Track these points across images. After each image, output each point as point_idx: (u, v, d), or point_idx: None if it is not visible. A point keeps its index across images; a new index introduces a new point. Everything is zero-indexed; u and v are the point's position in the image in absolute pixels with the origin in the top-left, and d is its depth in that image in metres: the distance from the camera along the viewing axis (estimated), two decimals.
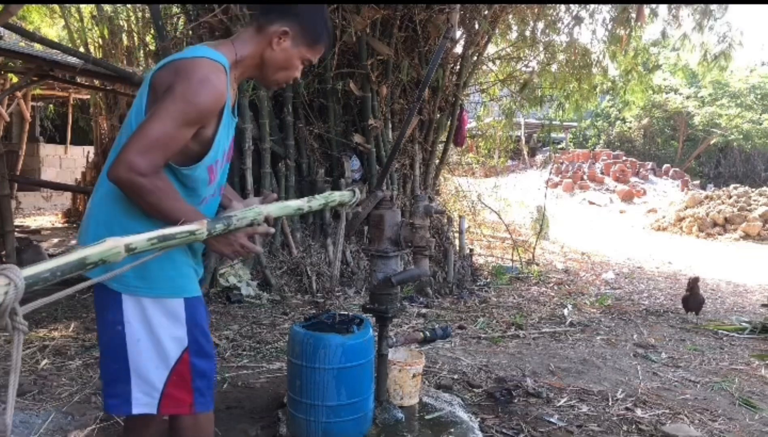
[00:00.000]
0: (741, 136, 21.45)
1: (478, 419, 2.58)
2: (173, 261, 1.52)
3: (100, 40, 10.20)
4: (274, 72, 1.61)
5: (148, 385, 1.49)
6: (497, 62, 7.72)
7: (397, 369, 2.48)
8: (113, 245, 1.19)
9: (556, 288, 6.10)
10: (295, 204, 1.80)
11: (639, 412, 2.81)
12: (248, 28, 1.59)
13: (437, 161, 6.37)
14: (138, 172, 1.36)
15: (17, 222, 8.90)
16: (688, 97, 22.29)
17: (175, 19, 7.23)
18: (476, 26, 6.12)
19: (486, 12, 6.06)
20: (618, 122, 25.22)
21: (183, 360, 1.51)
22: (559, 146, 23.48)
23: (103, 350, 1.55)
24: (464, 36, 6.15)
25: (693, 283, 4.82)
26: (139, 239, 1.28)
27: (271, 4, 1.57)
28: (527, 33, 7.07)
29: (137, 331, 1.47)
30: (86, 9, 10.06)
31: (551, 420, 2.66)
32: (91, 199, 1.54)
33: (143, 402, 1.49)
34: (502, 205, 9.30)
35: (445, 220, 6.00)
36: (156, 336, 1.48)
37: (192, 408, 1.54)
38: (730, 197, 13.51)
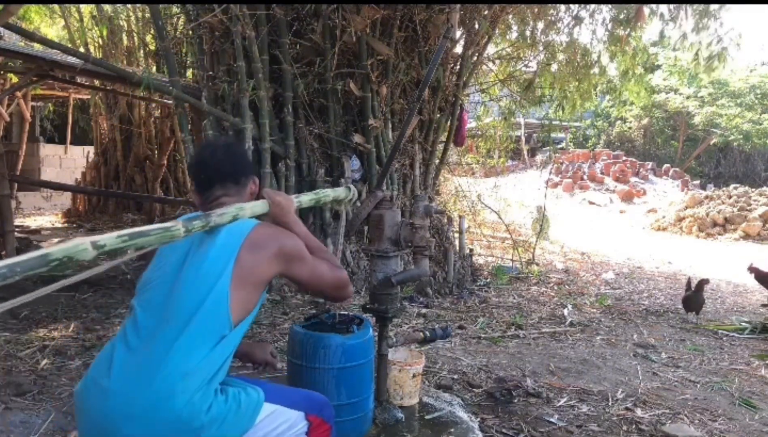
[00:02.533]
0: (741, 136, 21.45)
1: (478, 419, 2.58)
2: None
3: (100, 40, 10.20)
4: None
5: None
6: (497, 62, 7.72)
7: (397, 369, 2.48)
8: (79, 242, 1.18)
9: (556, 288, 6.10)
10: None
11: (639, 412, 2.81)
12: (233, 190, 1.77)
13: (437, 161, 6.37)
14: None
15: (17, 222, 8.90)
16: (688, 97, 22.28)
17: (175, 19, 7.25)
18: (476, 26, 6.12)
19: (486, 12, 6.06)
20: (618, 122, 25.22)
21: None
22: (559, 146, 23.47)
23: None
24: (464, 36, 6.15)
25: (700, 284, 4.81)
26: (108, 236, 1.29)
27: (244, 166, 1.82)
28: (527, 33, 7.08)
29: None
30: (86, 9, 10.06)
31: (551, 420, 2.66)
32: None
33: None
34: (502, 205, 9.30)
35: (445, 220, 6.00)
36: None
37: None
38: (730, 197, 13.51)
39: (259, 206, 1.73)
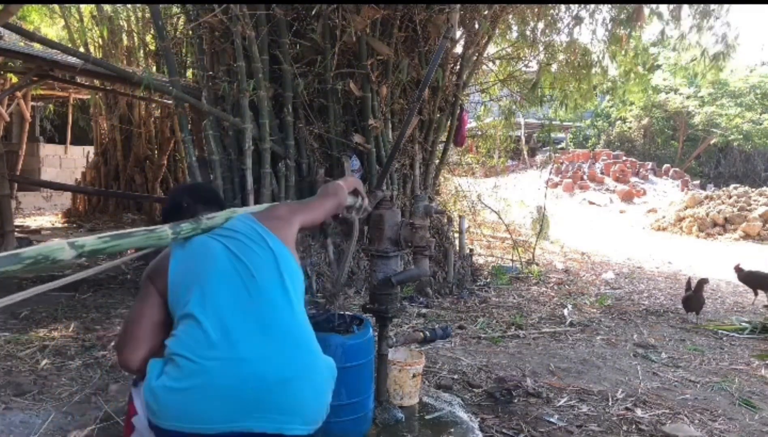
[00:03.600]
0: (741, 136, 21.45)
1: (478, 419, 2.58)
2: None
3: (100, 40, 10.21)
4: None
5: None
6: (497, 62, 7.72)
7: (397, 369, 2.48)
8: (57, 242, 1.20)
9: (556, 288, 6.10)
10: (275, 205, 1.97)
11: (639, 412, 2.81)
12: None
13: (437, 161, 6.37)
14: None
15: (17, 222, 8.90)
16: (688, 97, 22.29)
17: (175, 19, 7.24)
18: (476, 26, 6.12)
19: (486, 12, 6.05)
20: (618, 122, 25.22)
21: None
22: (559, 146, 23.46)
23: None
24: (464, 36, 6.15)
25: (700, 284, 4.82)
26: (89, 238, 1.31)
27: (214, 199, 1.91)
28: (527, 33, 7.07)
29: None
30: (86, 9, 10.06)
31: (551, 420, 2.66)
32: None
33: None
34: (502, 205, 9.29)
35: (445, 220, 6.00)
36: None
37: None
38: (730, 197, 13.51)
39: (253, 209, 1.86)
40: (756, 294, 5.68)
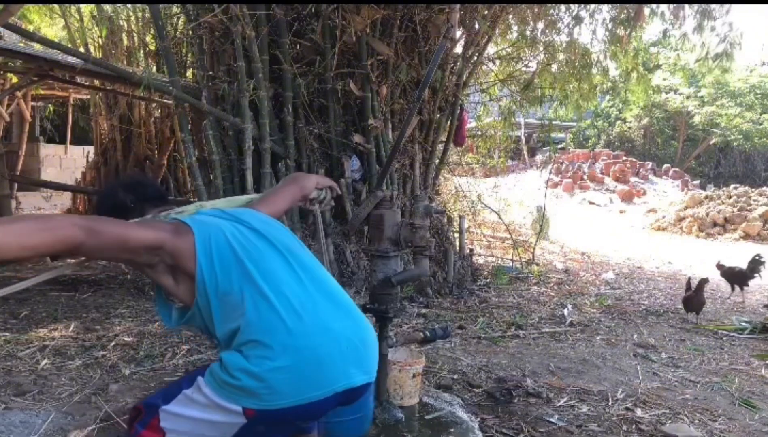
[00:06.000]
0: (741, 136, 21.45)
1: (478, 419, 2.58)
2: None
3: (100, 40, 10.20)
4: None
5: None
6: (497, 62, 7.72)
7: (397, 369, 2.48)
8: None
9: (556, 288, 6.10)
10: (244, 198, 1.97)
11: (639, 412, 2.81)
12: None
13: (437, 161, 6.36)
14: None
15: None
16: (688, 97, 22.30)
17: (175, 19, 7.24)
18: (476, 26, 6.12)
19: (486, 12, 6.05)
20: (618, 122, 25.23)
21: None
22: (559, 146, 23.46)
23: None
24: (464, 36, 6.14)
25: (701, 284, 4.84)
26: None
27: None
28: (527, 33, 7.07)
29: None
30: (86, 9, 10.05)
31: (551, 420, 2.66)
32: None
33: None
34: (502, 205, 9.29)
35: (445, 220, 6.00)
36: None
37: None
38: (730, 197, 13.51)
39: (220, 203, 1.85)
40: (732, 288, 6.05)
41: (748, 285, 5.99)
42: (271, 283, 1.49)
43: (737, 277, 5.95)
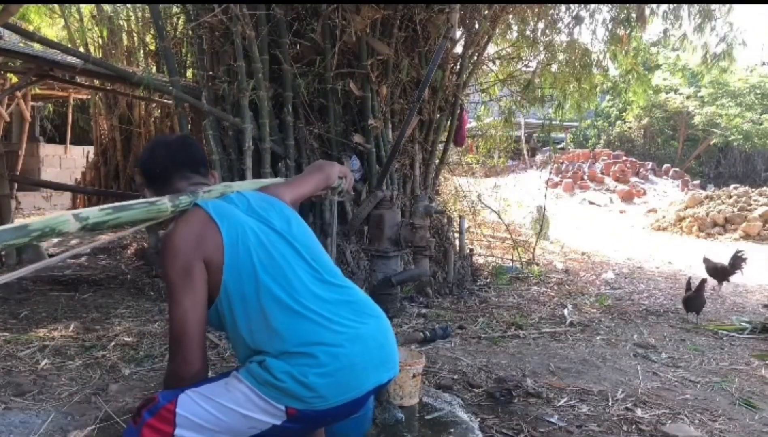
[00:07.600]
0: (741, 136, 21.45)
1: (478, 419, 2.58)
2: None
3: (100, 40, 10.20)
4: None
5: None
6: (497, 62, 7.71)
7: None
8: (62, 214, 1.23)
9: (556, 288, 6.10)
10: (269, 181, 1.96)
11: (639, 412, 2.81)
12: (201, 180, 1.79)
13: (437, 161, 6.36)
14: None
15: (17, 222, 8.89)
16: (688, 97, 22.29)
17: (175, 19, 7.25)
18: (476, 26, 6.12)
19: (486, 12, 6.05)
20: (618, 122, 25.23)
21: None
22: (559, 146, 23.46)
23: None
24: (464, 36, 6.14)
25: (701, 284, 4.85)
26: (91, 210, 1.35)
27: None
28: (527, 33, 7.07)
29: None
30: (86, 9, 10.06)
31: (551, 420, 2.66)
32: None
33: None
34: (502, 205, 9.29)
35: (445, 220, 6.00)
36: None
37: None
38: (730, 197, 13.50)
39: (247, 184, 1.84)
40: (720, 283, 6.32)
41: (729, 281, 6.34)
42: (299, 293, 1.54)
43: (719, 273, 6.23)
